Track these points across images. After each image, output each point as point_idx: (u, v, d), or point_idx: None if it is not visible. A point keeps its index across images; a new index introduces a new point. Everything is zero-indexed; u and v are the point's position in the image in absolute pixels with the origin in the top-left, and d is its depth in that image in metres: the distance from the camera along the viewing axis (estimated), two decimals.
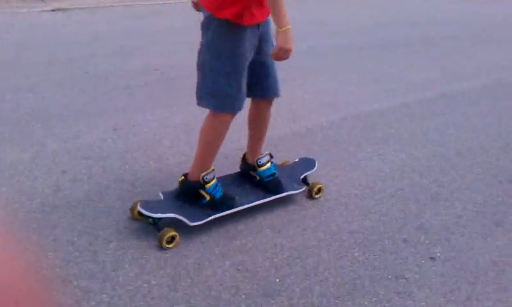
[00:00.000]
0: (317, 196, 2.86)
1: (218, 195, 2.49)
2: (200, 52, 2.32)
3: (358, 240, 2.52)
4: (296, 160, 3.04)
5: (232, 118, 2.40)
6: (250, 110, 2.64)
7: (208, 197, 2.48)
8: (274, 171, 2.72)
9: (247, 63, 2.33)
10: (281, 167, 2.96)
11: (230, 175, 2.82)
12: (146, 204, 2.44)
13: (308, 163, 2.99)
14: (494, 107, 4.61)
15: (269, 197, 2.66)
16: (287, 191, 2.72)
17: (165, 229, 2.36)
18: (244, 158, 2.79)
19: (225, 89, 2.30)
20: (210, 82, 2.30)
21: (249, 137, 2.72)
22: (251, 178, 2.74)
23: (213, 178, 2.49)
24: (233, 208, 2.51)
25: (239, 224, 2.56)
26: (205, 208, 2.49)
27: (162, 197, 2.55)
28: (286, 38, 2.14)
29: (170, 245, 2.35)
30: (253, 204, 2.59)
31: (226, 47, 2.25)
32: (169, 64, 5.14)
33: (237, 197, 2.54)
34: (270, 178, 2.70)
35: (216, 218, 2.47)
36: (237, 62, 2.28)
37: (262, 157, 2.70)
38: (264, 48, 2.41)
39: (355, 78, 5.16)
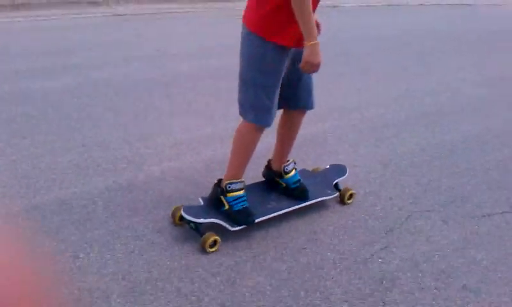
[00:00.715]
0: (348, 202, 2.95)
1: (236, 207, 2.53)
2: (242, 66, 2.43)
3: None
4: (327, 166, 3.13)
5: (262, 131, 2.52)
6: (283, 120, 2.74)
7: (227, 206, 2.53)
8: (299, 178, 2.81)
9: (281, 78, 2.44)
10: (313, 173, 3.05)
11: (256, 183, 2.89)
12: (189, 210, 2.53)
13: (339, 169, 3.08)
14: None
15: (301, 204, 2.74)
16: (319, 197, 2.81)
17: (207, 233, 2.45)
18: (268, 166, 2.87)
19: (265, 103, 2.41)
20: (253, 96, 2.41)
21: (278, 144, 2.80)
22: (276, 185, 2.82)
23: (238, 190, 2.54)
24: (249, 224, 2.53)
25: (274, 229, 2.65)
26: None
27: (201, 202, 2.65)
28: (313, 52, 2.23)
29: (213, 249, 2.44)
30: (285, 211, 2.68)
31: (269, 63, 2.35)
32: None
33: (255, 216, 2.55)
34: (297, 185, 2.78)
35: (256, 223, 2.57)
36: (277, 78, 2.39)
37: (288, 164, 2.79)
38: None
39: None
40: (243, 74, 2.43)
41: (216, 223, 2.50)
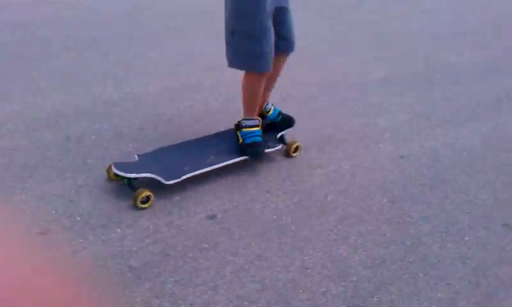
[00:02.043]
0: (294, 155, 2.87)
1: (248, 140, 2.67)
2: (226, 16, 2.50)
3: None
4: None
5: (265, 76, 2.60)
6: None
7: (240, 140, 2.69)
8: (280, 110, 2.93)
9: (271, 19, 2.48)
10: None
11: (202, 138, 2.83)
12: (121, 165, 2.43)
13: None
14: None
15: (236, 159, 2.68)
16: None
17: (140, 189, 2.37)
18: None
19: (255, 49, 2.46)
20: (240, 44, 2.48)
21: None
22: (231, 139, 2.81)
23: (253, 126, 2.67)
24: (257, 155, 2.71)
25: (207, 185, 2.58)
26: (183, 165, 2.53)
27: (137, 159, 2.55)
28: None
29: (145, 205, 2.36)
30: (221, 165, 2.61)
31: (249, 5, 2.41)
32: None
33: (264, 147, 2.71)
34: (280, 116, 2.92)
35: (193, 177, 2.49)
36: (261, 20, 2.42)
37: (267, 104, 2.90)
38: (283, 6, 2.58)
39: None
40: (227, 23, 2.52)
41: (151, 178, 2.41)
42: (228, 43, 2.56)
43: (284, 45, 2.67)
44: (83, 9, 5.51)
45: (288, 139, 2.90)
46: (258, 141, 2.70)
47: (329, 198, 2.54)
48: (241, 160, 2.67)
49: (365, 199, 2.55)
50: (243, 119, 2.71)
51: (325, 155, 2.93)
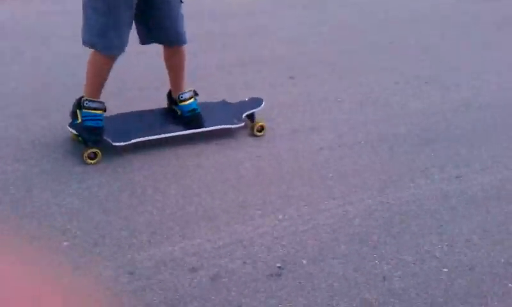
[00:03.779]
0: (259, 134, 2.91)
1: (87, 124, 2.55)
2: None
3: None
4: (246, 99, 3.09)
5: (109, 60, 2.52)
6: (163, 55, 2.76)
7: (79, 120, 2.56)
8: (196, 107, 2.82)
9: (126, 8, 2.42)
10: (228, 104, 3.03)
11: (157, 109, 2.93)
12: (73, 124, 2.64)
13: (255, 101, 3.03)
14: None
15: (188, 130, 2.76)
16: (218, 125, 2.82)
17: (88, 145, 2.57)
18: (169, 93, 2.89)
19: (98, 29, 2.42)
20: (88, 21, 2.45)
21: (169, 74, 2.82)
22: (174, 113, 2.85)
23: (95, 109, 2.55)
24: (93, 143, 2.55)
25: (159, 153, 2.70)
26: (131, 131, 2.66)
27: None
28: None
29: (92, 161, 2.55)
30: (170, 134, 2.72)
31: None
32: None
33: (105, 138, 2.58)
34: (190, 113, 2.80)
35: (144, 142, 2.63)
36: (111, 4, 2.38)
37: (185, 93, 2.80)
38: None
39: None
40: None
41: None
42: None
43: (163, 35, 2.61)
44: None
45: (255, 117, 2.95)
46: (100, 126, 2.58)
47: None
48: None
49: None
50: (86, 100, 2.55)
51: None
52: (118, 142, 2.58)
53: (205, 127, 2.80)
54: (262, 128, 2.92)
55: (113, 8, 2.39)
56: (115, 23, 2.42)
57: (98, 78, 2.56)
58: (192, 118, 2.80)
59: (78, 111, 2.57)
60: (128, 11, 2.45)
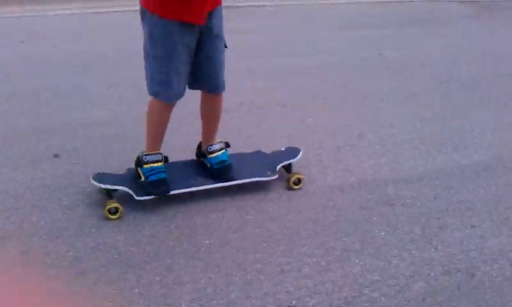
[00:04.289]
0: (296, 187, 2.68)
1: (151, 178, 2.49)
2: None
3: None
4: (283, 149, 2.89)
5: (169, 107, 2.45)
6: (200, 101, 2.64)
7: (143, 178, 2.50)
8: (225, 159, 2.66)
9: (184, 55, 2.34)
10: (264, 154, 2.84)
11: (185, 161, 2.78)
12: (100, 176, 2.54)
13: (292, 152, 2.82)
14: None
15: (217, 183, 2.59)
16: (250, 178, 2.63)
17: (110, 200, 2.44)
18: (199, 145, 2.76)
19: (161, 78, 2.35)
20: (150, 70, 2.38)
21: (202, 124, 2.70)
22: (204, 165, 2.70)
23: (154, 162, 2.50)
24: (160, 194, 2.48)
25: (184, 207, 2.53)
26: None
27: (126, 171, 2.64)
28: None
29: (113, 217, 2.41)
30: (198, 188, 2.56)
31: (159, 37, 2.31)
32: None
33: (171, 186, 2.50)
34: (219, 165, 2.64)
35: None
36: (168, 51, 2.31)
37: (213, 145, 2.67)
38: (209, 42, 2.40)
39: None
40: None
41: (123, 191, 2.47)
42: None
43: (207, 81, 2.50)
44: None
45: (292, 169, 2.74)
46: (163, 177, 2.50)
47: None
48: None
49: None
50: (144, 155, 2.51)
51: None
52: (140, 196, 2.45)
53: (235, 180, 2.61)
54: (299, 181, 2.70)
55: (173, 55, 2.32)
56: (176, 70, 2.36)
57: (159, 127, 2.50)
58: (221, 170, 2.63)
59: (139, 169, 2.52)
60: (188, 58, 2.37)
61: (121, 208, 2.42)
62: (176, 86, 2.38)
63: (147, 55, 2.38)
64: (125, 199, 2.47)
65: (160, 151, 2.54)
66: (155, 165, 2.51)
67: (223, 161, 2.65)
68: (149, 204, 2.50)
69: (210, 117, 2.66)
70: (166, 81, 2.36)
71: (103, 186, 2.48)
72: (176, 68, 2.35)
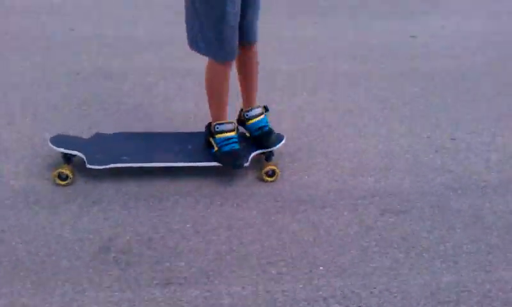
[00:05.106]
0: (269, 179, 2.40)
1: (225, 149, 2.34)
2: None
3: None
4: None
5: (229, 67, 2.29)
6: (238, 59, 2.40)
7: (216, 148, 2.36)
8: (265, 124, 2.50)
9: (234, 8, 2.17)
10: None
11: (161, 133, 2.63)
12: (57, 138, 2.43)
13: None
14: None
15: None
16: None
17: (62, 165, 2.32)
18: (240, 113, 2.60)
19: (216, 36, 2.18)
20: (200, 29, 2.20)
21: (240, 88, 2.52)
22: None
23: (228, 131, 2.35)
24: (235, 168, 2.37)
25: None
26: (121, 155, 2.37)
27: (93, 135, 2.53)
28: None
29: (62, 182, 2.29)
30: (157, 164, 2.37)
31: None
32: None
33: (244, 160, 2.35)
34: (259, 132, 2.48)
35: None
36: (223, 6, 2.14)
37: (251, 110, 2.50)
38: None
39: None
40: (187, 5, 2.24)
41: (76, 155, 2.34)
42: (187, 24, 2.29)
43: (249, 32, 2.32)
44: None
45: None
46: (237, 149, 2.35)
47: None
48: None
49: None
50: (216, 124, 2.35)
51: None
52: (92, 165, 2.29)
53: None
54: (274, 173, 2.40)
55: (225, 10, 2.14)
56: (230, 25, 2.18)
57: (222, 91, 2.34)
58: (260, 137, 2.47)
59: (211, 139, 2.38)
60: (236, 11, 2.20)
61: (70, 174, 2.29)
62: (233, 42, 2.22)
63: (198, 15, 2.19)
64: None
65: (232, 120, 2.40)
66: (229, 134, 2.36)
67: (263, 127, 2.49)
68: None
69: (251, 73, 2.46)
70: (222, 39, 2.18)
71: (57, 149, 2.35)
72: (228, 21, 2.16)
